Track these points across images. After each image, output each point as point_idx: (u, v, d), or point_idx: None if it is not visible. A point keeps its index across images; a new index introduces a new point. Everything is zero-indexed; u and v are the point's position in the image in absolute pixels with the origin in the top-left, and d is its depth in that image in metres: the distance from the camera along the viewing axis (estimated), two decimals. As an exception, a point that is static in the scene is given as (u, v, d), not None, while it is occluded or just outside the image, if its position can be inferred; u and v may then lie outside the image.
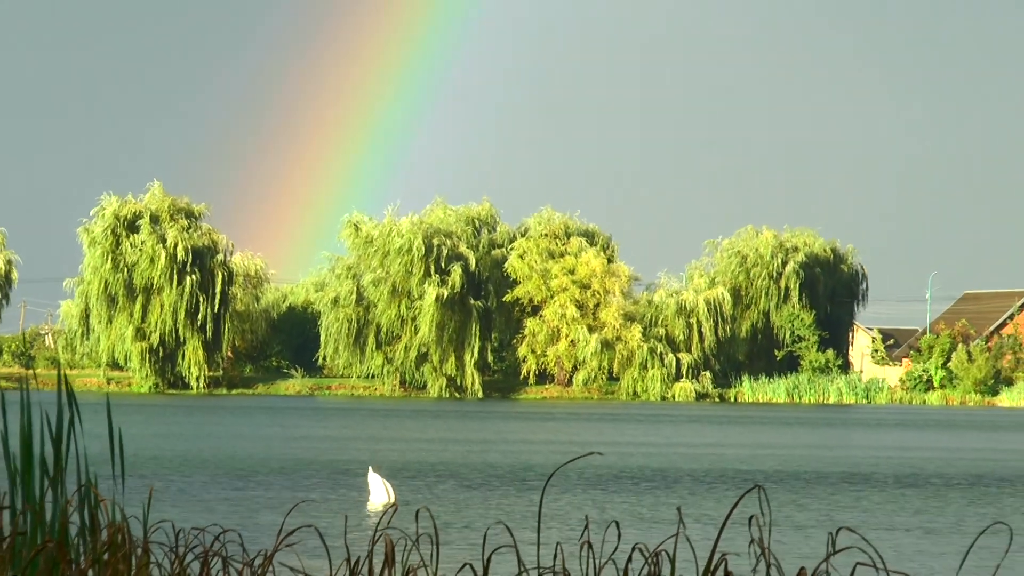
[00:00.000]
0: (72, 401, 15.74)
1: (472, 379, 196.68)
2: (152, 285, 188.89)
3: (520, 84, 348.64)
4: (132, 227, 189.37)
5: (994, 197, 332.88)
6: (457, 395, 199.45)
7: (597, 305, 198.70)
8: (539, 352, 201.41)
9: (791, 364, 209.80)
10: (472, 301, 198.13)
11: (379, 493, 57.80)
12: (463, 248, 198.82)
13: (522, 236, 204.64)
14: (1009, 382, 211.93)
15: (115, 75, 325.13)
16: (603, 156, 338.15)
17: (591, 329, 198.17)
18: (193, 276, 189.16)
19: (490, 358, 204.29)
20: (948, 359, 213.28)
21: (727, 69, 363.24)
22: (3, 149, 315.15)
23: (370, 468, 60.27)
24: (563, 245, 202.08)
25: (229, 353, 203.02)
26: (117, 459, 15.76)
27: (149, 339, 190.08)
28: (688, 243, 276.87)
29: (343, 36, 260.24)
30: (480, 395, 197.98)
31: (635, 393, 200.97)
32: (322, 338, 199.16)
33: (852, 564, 12.03)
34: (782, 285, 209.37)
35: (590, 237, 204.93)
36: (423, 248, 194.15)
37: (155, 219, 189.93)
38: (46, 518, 15.50)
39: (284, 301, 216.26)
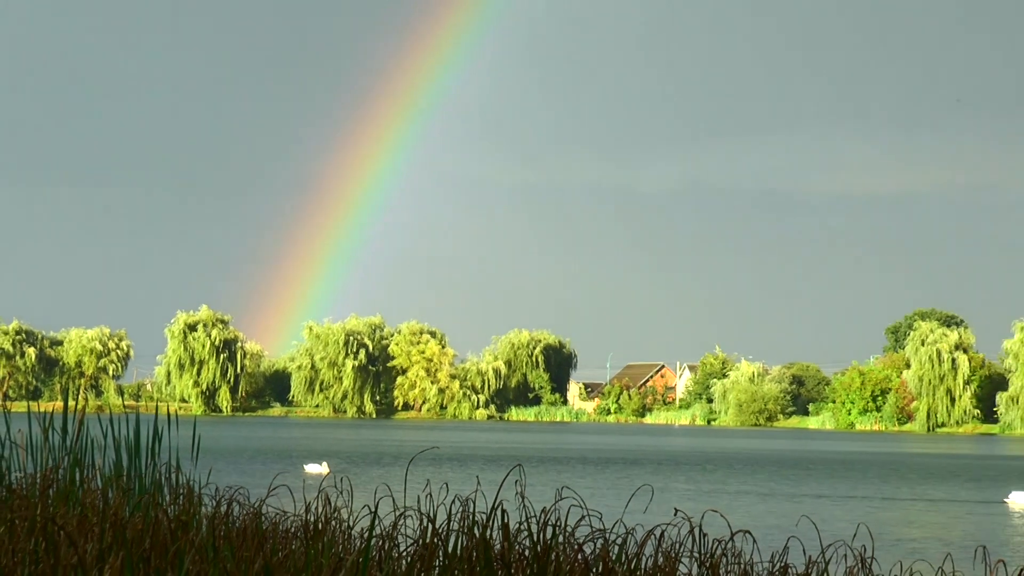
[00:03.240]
0: (156, 417, 18.61)
1: (370, 408, 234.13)
2: (203, 360, 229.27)
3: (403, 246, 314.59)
4: (192, 328, 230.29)
5: (645, 305, 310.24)
6: (361, 416, 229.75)
7: (436, 370, 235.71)
8: (404, 394, 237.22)
9: (537, 401, 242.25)
10: (370, 367, 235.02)
11: (317, 468, 66.41)
12: (365, 340, 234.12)
13: (398, 334, 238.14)
14: (650, 411, 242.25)
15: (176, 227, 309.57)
16: (439, 281, 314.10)
17: (432, 382, 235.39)
18: (224, 354, 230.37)
19: (379, 397, 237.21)
20: (619, 398, 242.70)
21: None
22: (127, 280, 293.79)
23: (314, 465, 68.76)
24: (419, 339, 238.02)
25: (242, 394, 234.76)
26: (193, 449, 18.09)
27: (201, 387, 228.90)
28: (484, 336, 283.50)
29: (312, 208, 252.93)
30: (374, 416, 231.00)
31: (455, 415, 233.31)
32: (292, 387, 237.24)
33: (568, 507, 11.57)
34: (533, 360, 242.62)
35: (432, 333, 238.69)
36: (343, 340, 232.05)
37: (205, 325, 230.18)
38: (147, 483, 17.72)
39: (272, 367, 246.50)
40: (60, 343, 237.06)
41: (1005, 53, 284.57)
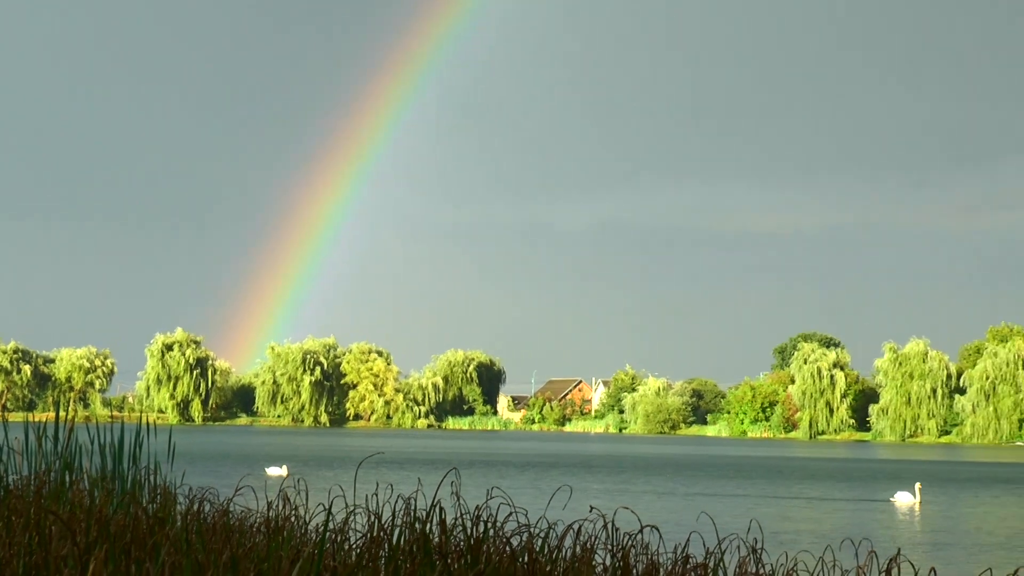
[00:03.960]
0: (137, 426, 18.25)
1: (325, 418, 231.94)
2: (178, 376, 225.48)
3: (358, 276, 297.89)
4: (168, 348, 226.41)
5: (564, 328, 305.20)
6: (317, 425, 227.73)
7: (382, 385, 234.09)
8: (355, 406, 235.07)
9: (470, 412, 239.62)
10: (325, 382, 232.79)
11: (278, 470, 65.69)
12: (320, 358, 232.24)
13: (349, 353, 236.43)
14: (569, 420, 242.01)
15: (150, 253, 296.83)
16: (386, 307, 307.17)
17: (379, 395, 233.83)
18: (197, 371, 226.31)
19: (332, 408, 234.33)
20: (542, 409, 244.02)
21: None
22: (111, 305, 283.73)
23: (274, 468, 67.53)
24: (367, 357, 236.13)
25: (212, 406, 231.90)
26: (169, 454, 18.14)
27: (176, 399, 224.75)
28: (425, 355, 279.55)
29: (274, 241, 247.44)
30: (328, 425, 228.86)
31: (399, 424, 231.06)
32: (256, 399, 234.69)
33: (497, 505, 11.48)
34: (467, 376, 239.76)
35: (379, 353, 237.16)
36: (301, 359, 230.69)
37: (180, 345, 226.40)
38: (128, 483, 17.51)
39: (239, 382, 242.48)
40: (52, 361, 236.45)
41: (882, 111, 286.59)
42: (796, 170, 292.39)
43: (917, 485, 64.51)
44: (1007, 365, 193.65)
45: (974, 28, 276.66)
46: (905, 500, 63.36)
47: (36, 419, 19.43)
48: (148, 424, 19.23)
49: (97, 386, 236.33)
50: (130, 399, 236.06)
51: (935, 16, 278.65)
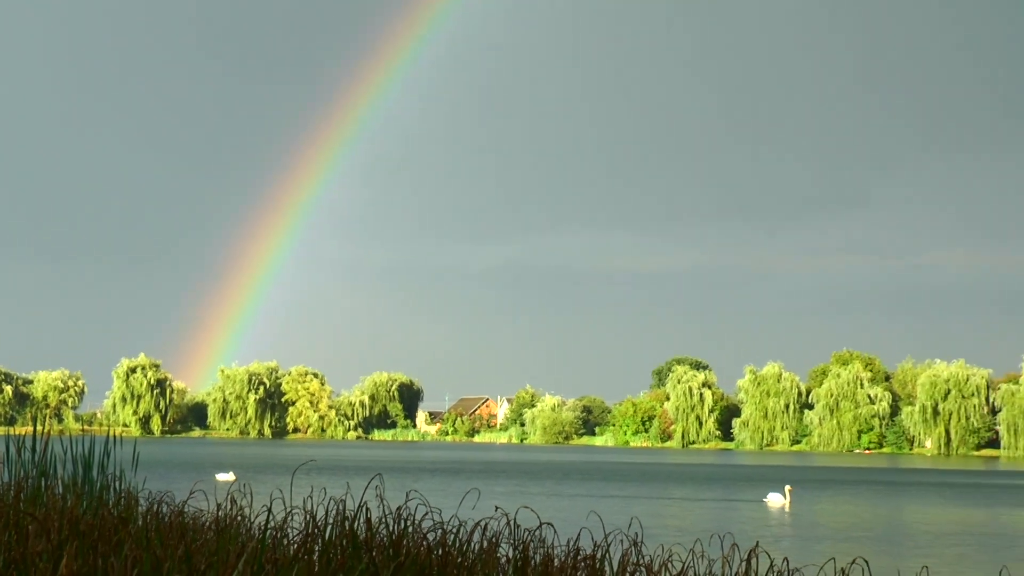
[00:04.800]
0: (105, 439, 18.10)
1: (268, 431, 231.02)
2: (141, 395, 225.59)
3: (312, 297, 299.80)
4: (132, 370, 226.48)
5: (475, 353, 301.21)
6: (261, 437, 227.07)
7: (318, 402, 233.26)
8: (293, 420, 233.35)
9: (393, 425, 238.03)
10: (268, 400, 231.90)
11: (226, 476, 62.36)
12: (264, 379, 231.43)
13: (288, 375, 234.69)
14: (478, 432, 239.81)
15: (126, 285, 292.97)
16: (321, 334, 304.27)
17: (315, 411, 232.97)
18: (157, 390, 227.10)
19: (274, 422, 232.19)
20: (454, 423, 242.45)
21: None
22: (82, 333, 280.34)
23: (223, 474, 64.32)
24: (304, 378, 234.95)
25: (170, 420, 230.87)
26: (133, 462, 17.67)
27: (139, 415, 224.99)
28: (354, 376, 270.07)
29: (224, 276, 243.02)
30: (271, 437, 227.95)
31: (332, 436, 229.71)
32: (208, 415, 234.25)
33: (416, 506, 11.37)
34: (390, 394, 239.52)
35: (315, 374, 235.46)
36: (247, 380, 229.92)
37: (143, 368, 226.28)
38: (98, 486, 17.02)
39: (193, 399, 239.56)
40: (31, 382, 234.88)
41: (744, 169, 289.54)
42: (668, 218, 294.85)
43: (787, 488, 64.14)
44: (848, 384, 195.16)
45: (821, 94, 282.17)
46: (776, 501, 62.89)
47: (16, 433, 19.20)
48: (114, 437, 19.02)
49: (70, 404, 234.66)
50: (99, 415, 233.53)
51: (789, 83, 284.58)
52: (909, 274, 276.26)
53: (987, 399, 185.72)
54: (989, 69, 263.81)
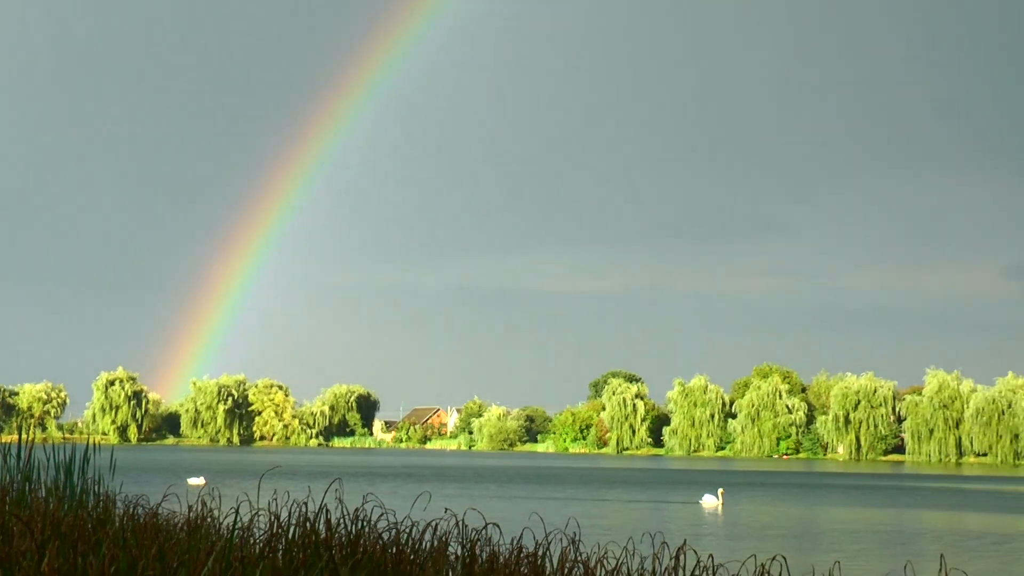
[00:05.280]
0: (85, 446, 18.18)
1: (236, 439, 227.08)
2: (119, 405, 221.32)
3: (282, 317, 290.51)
4: (111, 383, 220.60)
5: (426, 367, 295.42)
6: (230, 444, 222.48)
7: (282, 412, 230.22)
8: (260, 429, 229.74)
9: (352, 433, 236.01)
10: (236, 410, 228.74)
11: (197, 480, 64.42)
12: (233, 391, 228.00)
13: (255, 386, 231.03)
14: (430, 440, 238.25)
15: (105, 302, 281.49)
16: (285, 349, 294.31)
17: (279, 420, 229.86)
18: (133, 402, 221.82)
19: (242, 431, 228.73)
20: (408, 431, 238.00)
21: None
22: (65, 349, 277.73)
23: (195, 478, 65.97)
24: (270, 390, 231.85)
25: (146, 429, 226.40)
26: (111, 468, 17.69)
27: (116, 424, 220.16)
28: (316, 388, 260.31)
29: (196, 297, 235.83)
30: (239, 444, 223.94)
31: (295, 444, 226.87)
32: (181, 424, 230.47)
33: (372, 507, 11.39)
34: (349, 405, 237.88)
35: (280, 387, 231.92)
36: (217, 391, 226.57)
37: (120, 381, 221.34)
38: (78, 490, 17.07)
39: (167, 410, 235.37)
40: (16, 393, 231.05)
41: (670, 196, 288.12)
42: (605, 242, 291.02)
43: (720, 490, 64.43)
44: (768, 396, 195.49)
45: (747, 125, 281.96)
46: (710, 502, 62.95)
47: (2, 441, 19.19)
48: (93, 445, 19.00)
49: (53, 414, 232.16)
50: (79, 424, 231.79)
51: (717, 114, 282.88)
52: (824, 295, 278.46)
53: (893, 409, 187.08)
54: (906, 106, 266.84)
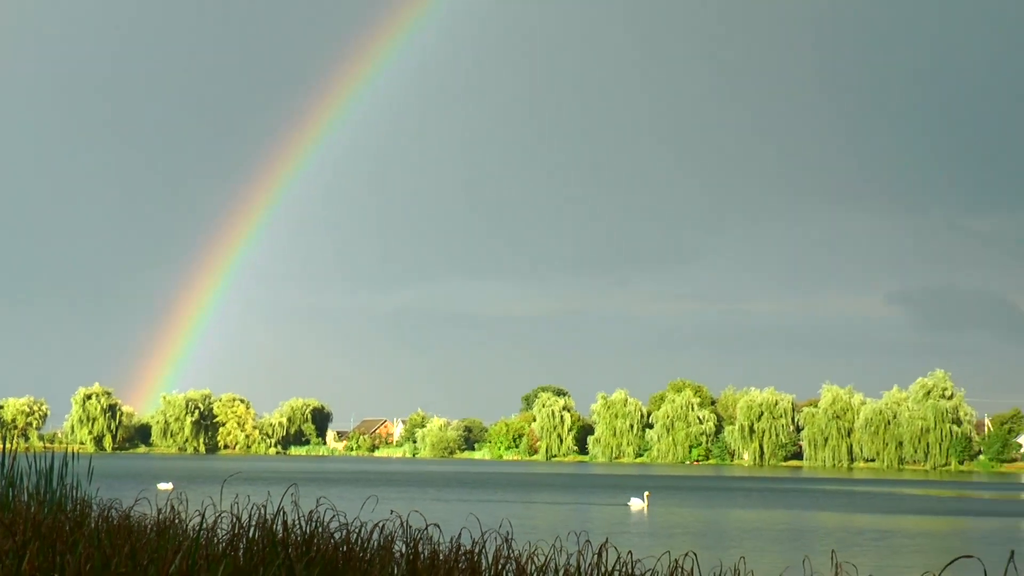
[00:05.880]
0: (64, 455, 18.23)
1: (202, 448, 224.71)
2: (95, 417, 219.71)
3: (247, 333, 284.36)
4: (88, 397, 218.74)
5: (376, 382, 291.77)
6: (196, 453, 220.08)
7: (244, 423, 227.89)
8: (224, 439, 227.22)
9: (307, 442, 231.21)
10: (202, 421, 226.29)
11: (166, 485, 63.73)
12: (199, 404, 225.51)
13: (219, 400, 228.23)
14: (378, 448, 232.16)
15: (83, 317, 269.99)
16: (248, 366, 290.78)
17: (241, 431, 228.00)
18: (108, 414, 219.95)
19: (207, 441, 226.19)
20: (358, 440, 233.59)
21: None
22: (46, 365, 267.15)
23: (164, 484, 65.19)
24: (233, 404, 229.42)
25: (120, 439, 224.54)
26: (88, 475, 17.57)
27: (93, 434, 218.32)
28: (275, 401, 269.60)
29: (167, 319, 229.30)
30: (204, 453, 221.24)
31: (256, 452, 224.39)
32: (152, 434, 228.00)
33: (324, 510, 11.29)
34: (305, 416, 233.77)
35: (242, 400, 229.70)
36: (184, 404, 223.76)
37: (97, 395, 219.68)
38: (58, 495, 16.72)
39: (139, 421, 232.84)
40: (1, 407, 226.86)
41: (596, 228, 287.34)
42: (534, 270, 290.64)
43: (646, 493, 64.28)
44: (681, 408, 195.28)
45: (662, 161, 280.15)
46: (637, 504, 62.42)
47: (-13, 450, 18.96)
48: (72, 453, 18.98)
49: (35, 425, 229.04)
50: (59, 434, 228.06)
51: (636, 152, 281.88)
52: (732, 317, 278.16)
53: (792, 420, 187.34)
54: (812, 146, 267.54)
